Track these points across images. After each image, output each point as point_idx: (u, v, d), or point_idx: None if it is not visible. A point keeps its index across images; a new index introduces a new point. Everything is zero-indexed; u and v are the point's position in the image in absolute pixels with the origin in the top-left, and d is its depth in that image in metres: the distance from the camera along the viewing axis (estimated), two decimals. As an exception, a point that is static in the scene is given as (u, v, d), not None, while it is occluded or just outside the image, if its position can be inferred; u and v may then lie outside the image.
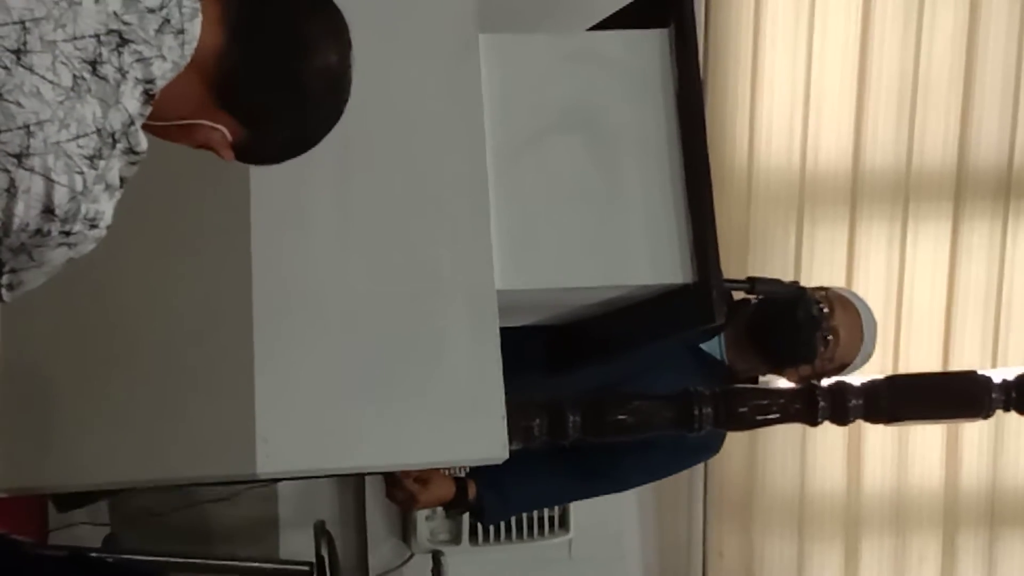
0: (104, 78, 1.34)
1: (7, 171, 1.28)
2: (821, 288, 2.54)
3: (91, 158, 1.34)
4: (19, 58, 1.29)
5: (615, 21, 2.28)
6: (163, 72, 1.38)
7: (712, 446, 2.63)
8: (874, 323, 2.55)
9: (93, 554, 2.63)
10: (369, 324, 2.01)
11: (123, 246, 1.92)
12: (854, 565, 3.83)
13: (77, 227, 1.36)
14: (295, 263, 2.01)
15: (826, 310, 2.45)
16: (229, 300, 1.98)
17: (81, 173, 1.33)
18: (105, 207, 1.39)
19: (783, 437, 3.69)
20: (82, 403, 1.97)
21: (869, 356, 2.54)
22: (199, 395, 1.97)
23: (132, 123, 1.38)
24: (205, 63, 1.41)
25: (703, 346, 2.58)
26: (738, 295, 2.52)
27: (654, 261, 2.10)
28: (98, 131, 1.34)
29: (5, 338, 1.95)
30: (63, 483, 2.04)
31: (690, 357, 2.53)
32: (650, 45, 2.15)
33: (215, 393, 1.97)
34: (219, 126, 1.46)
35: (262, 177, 2.00)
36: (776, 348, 2.46)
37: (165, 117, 1.44)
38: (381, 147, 2.05)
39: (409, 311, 2.03)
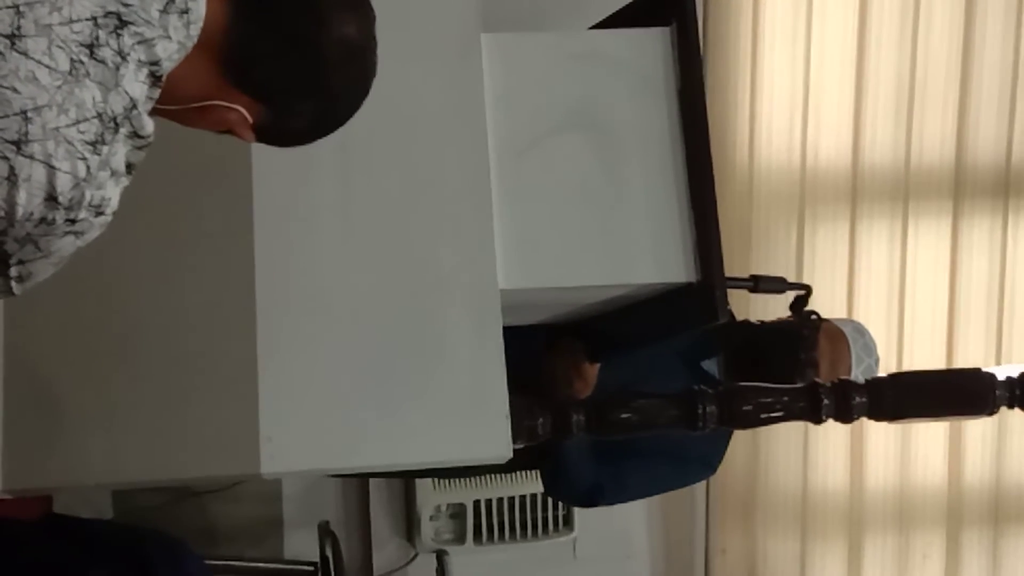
0: (102, 61, 1.31)
1: (6, 159, 1.25)
2: (824, 321, 2.55)
3: (93, 143, 1.31)
4: (13, 43, 1.26)
5: (617, 20, 2.28)
6: (168, 53, 1.35)
7: (712, 464, 2.65)
8: (872, 366, 2.56)
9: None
10: (372, 323, 2.01)
11: (127, 246, 1.94)
12: (857, 563, 3.83)
13: (82, 214, 1.33)
14: (298, 263, 2.01)
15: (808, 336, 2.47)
16: (232, 300, 1.99)
17: (83, 159, 1.30)
18: (111, 193, 1.36)
19: (786, 435, 3.69)
20: (86, 403, 1.97)
21: None
22: (203, 394, 1.97)
23: (135, 107, 1.34)
24: (212, 41, 1.38)
25: (703, 364, 2.60)
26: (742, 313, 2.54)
27: (657, 260, 2.09)
28: (99, 116, 1.31)
29: (9, 338, 1.95)
30: (68, 483, 2.04)
31: (689, 374, 2.54)
32: (652, 44, 2.14)
33: (219, 392, 1.97)
34: (236, 106, 1.42)
35: (265, 177, 2.00)
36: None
37: (179, 100, 1.41)
38: (384, 147, 2.05)
39: (413, 310, 2.03)
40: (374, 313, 2.01)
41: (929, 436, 3.76)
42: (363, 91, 1.49)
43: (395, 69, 1.99)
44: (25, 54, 1.26)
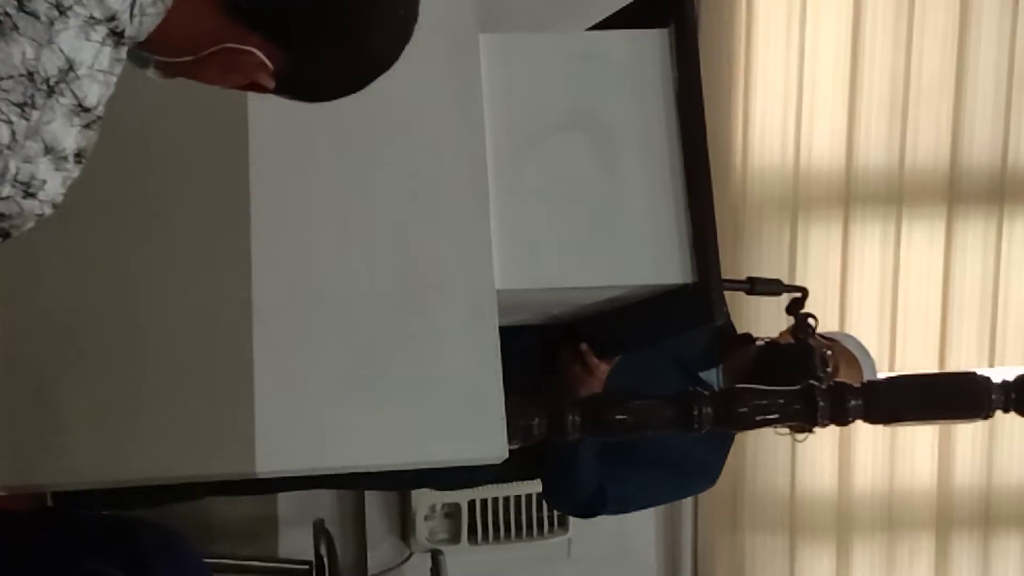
0: (33, 14, 1.15)
1: None
2: (828, 339, 2.55)
3: (21, 105, 1.16)
4: None
5: (615, 21, 2.28)
6: (126, 4, 1.19)
7: (712, 473, 2.65)
8: (874, 374, 2.57)
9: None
10: (369, 323, 2.01)
11: (122, 244, 1.94)
12: (846, 565, 3.83)
13: (6, 190, 1.18)
14: (295, 261, 2.01)
15: (830, 368, 2.47)
16: (228, 298, 1.98)
17: (9, 122, 1.16)
18: (45, 175, 1.21)
19: (773, 436, 3.68)
20: (80, 402, 1.96)
21: None
22: (198, 393, 1.96)
23: (71, 69, 1.18)
24: None
25: (701, 374, 2.59)
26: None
27: (654, 261, 2.09)
28: (28, 74, 1.16)
29: (3, 336, 1.95)
30: (61, 483, 2.03)
31: (687, 383, 2.53)
32: (650, 45, 2.14)
33: (214, 391, 1.96)
34: (249, 47, 1.27)
35: (262, 175, 2.00)
36: None
37: (185, 52, 1.28)
38: (381, 146, 2.05)
39: (409, 310, 2.02)
40: (371, 313, 2.01)
41: (918, 438, 3.77)
42: (402, 34, 1.33)
43: (393, 69, 2.01)
44: None
